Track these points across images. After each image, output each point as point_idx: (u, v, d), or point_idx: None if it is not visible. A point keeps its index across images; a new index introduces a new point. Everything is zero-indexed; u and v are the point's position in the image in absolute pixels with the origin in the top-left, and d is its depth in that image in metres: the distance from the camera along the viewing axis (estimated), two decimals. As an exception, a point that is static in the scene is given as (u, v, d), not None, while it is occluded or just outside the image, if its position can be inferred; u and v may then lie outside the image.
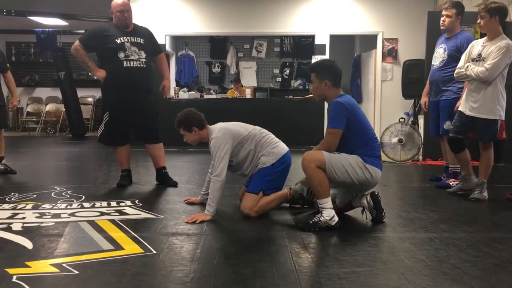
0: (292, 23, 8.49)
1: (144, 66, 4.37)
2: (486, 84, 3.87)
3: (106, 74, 4.36)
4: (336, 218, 3.09)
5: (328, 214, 3.08)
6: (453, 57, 4.46)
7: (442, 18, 4.58)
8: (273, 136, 3.63)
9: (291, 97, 9.78)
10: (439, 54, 4.62)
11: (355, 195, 3.36)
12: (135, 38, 4.37)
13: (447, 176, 4.65)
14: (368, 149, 3.21)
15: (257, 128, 3.61)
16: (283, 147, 3.56)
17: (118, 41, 4.30)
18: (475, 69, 3.89)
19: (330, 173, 3.10)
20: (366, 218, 3.33)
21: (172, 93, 8.17)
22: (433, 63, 4.73)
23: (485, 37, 3.98)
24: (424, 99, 4.97)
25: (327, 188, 3.12)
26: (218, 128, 3.49)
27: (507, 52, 3.78)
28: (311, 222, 3.09)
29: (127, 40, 4.32)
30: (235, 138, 3.45)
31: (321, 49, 8.41)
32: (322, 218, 3.07)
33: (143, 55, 4.37)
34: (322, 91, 3.26)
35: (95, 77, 4.51)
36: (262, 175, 3.45)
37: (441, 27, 4.62)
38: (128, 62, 4.29)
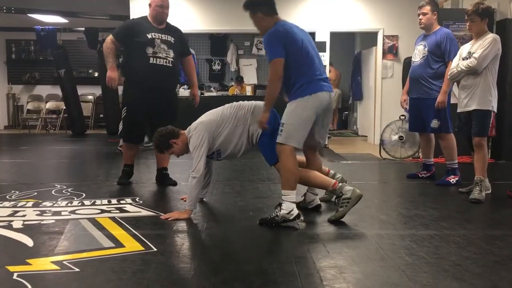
0: (293, 20, 8.35)
1: (171, 65, 4.23)
2: (476, 77, 3.93)
3: (131, 68, 4.24)
4: (294, 212, 3.07)
5: (287, 207, 3.07)
6: (434, 53, 4.52)
7: (419, 18, 4.66)
8: (245, 103, 3.46)
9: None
10: (419, 51, 4.65)
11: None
12: (166, 36, 4.25)
13: (447, 174, 4.65)
14: (304, 77, 3.11)
15: (226, 106, 3.48)
16: (260, 106, 3.34)
17: (149, 36, 4.17)
18: (465, 62, 3.99)
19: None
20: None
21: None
22: (413, 59, 4.75)
23: (473, 39, 4.11)
24: (403, 97, 4.97)
25: (295, 181, 3.12)
26: (194, 126, 3.43)
27: (494, 43, 3.89)
28: (269, 217, 3.11)
29: (157, 37, 4.19)
30: (212, 128, 3.36)
31: (321, 46, 8.37)
32: (279, 213, 3.06)
33: (172, 54, 4.23)
34: (260, 25, 3.22)
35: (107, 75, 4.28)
36: (267, 143, 3.30)
37: (420, 26, 4.69)
38: (154, 59, 4.15)
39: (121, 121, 4.41)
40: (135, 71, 4.23)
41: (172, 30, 4.37)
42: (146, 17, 4.34)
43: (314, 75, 3.15)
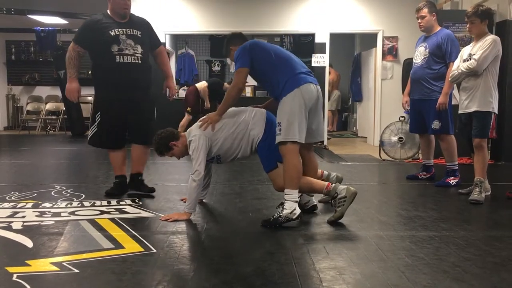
0: (292, 22, 8.47)
1: (140, 62, 3.89)
2: (477, 79, 3.94)
3: (98, 70, 3.96)
4: (297, 211, 3.11)
5: (290, 206, 3.10)
6: (435, 54, 4.54)
7: (418, 21, 4.66)
8: (247, 108, 3.49)
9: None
10: (421, 52, 4.67)
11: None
12: (132, 30, 3.89)
13: (446, 175, 4.65)
14: (287, 77, 3.18)
15: (229, 111, 3.46)
16: (261, 112, 3.42)
17: (112, 33, 3.82)
18: (465, 64, 4.00)
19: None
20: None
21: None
22: (414, 61, 4.76)
23: (473, 41, 4.12)
24: (405, 99, 5.00)
25: (298, 180, 3.15)
26: (194, 128, 3.44)
27: (494, 45, 3.90)
28: (271, 218, 3.13)
29: (122, 32, 3.84)
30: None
31: (321, 47, 8.39)
32: (282, 213, 3.09)
33: (139, 50, 3.89)
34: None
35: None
36: (267, 149, 3.32)
37: (420, 29, 4.71)
38: (121, 57, 3.82)
39: (94, 127, 4.04)
40: (102, 72, 3.93)
41: (138, 23, 4.00)
42: (106, 12, 3.96)
43: (294, 70, 3.22)
